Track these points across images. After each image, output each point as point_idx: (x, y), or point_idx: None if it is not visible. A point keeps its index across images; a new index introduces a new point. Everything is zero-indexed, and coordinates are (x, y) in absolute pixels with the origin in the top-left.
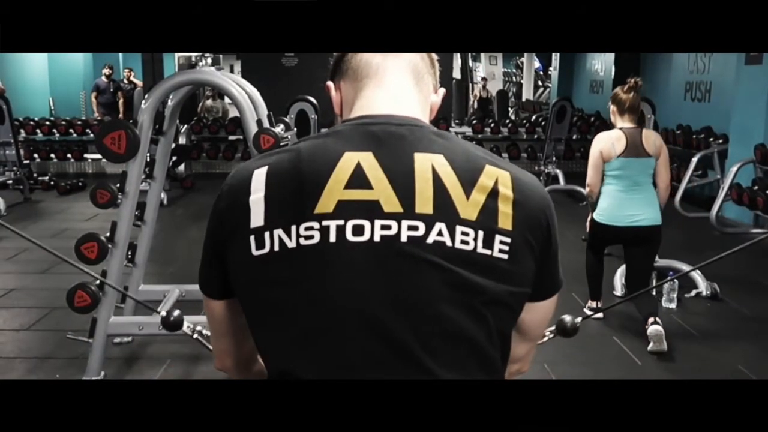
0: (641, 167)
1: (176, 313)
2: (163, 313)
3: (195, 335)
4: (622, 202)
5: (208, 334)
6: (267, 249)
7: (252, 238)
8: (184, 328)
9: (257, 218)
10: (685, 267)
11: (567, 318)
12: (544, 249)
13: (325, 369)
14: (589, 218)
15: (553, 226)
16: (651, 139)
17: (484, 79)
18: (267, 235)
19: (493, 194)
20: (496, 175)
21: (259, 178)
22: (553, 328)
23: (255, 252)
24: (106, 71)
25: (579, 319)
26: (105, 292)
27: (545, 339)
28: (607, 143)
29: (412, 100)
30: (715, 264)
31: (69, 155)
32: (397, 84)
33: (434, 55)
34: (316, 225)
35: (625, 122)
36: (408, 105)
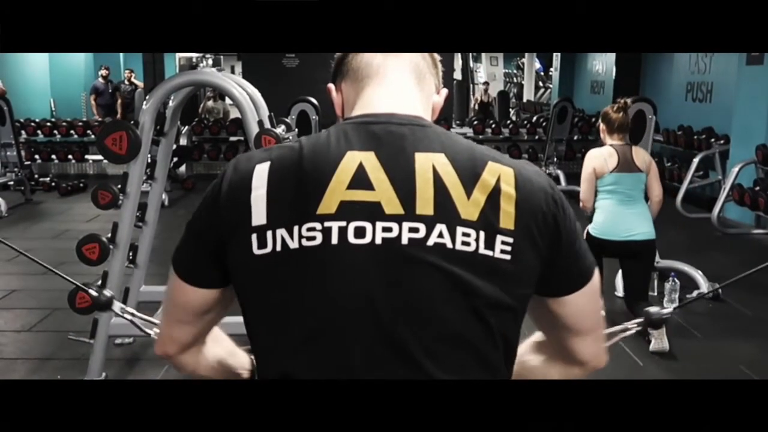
0: (633, 182)
1: (107, 293)
2: (94, 293)
3: (126, 315)
4: (617, 216)
5: (140, 315)
6: (269, 249)
7: (254, 236)
8: (115, 308)
9: (259, 216)
10: (686, 267)
11: (653, 310)
12: (553, 244)
13: (325, 371)
14: (586, 230)
15: (563, 218)
16: (641, 155)
17: (486, 83)
18: (269, 234)
19: (495, 193)
20: (499, 173)
21: (261, 174)
22: (641, 320)
23: (257, 251)
24: (103, 72)
25: (665, 310)
26: None
27: (631, 332)
28: (599, 159)
29: (413, 98)
30: (716, 265)
31: (70, 156)
32: (398, 83)
33: (437, 56)
34: (318, 226)
35: (614, 140)
36: (409, 103)
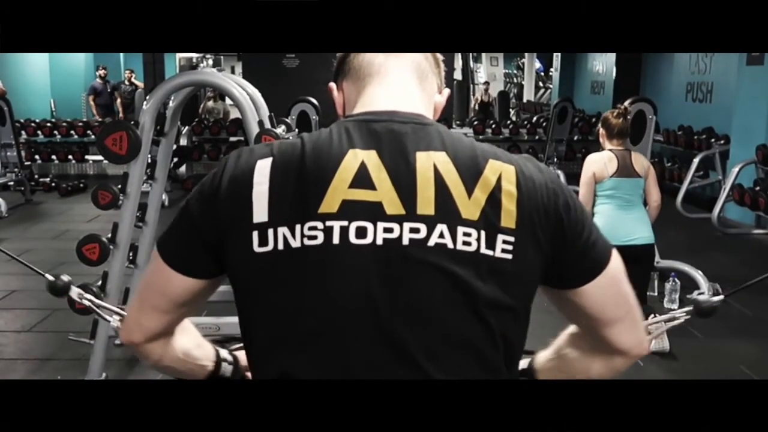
0: (632, 187)
1: (65, 278)
2: (50, 278)
3: (85, 301)
4: (617, 221)
5: (99, 302)
6: (270, 247)
7: (255, 234)
8: (72, 294)
9: (260, 213)
10: (687, 267)
11: (702, 298)
12: (557, 239)
13: (325, 371)
14: None
15: (567, 210)
16: (639, 160)
17: (486, 83)
18: (271, 232)
19: (496, 191)
20: (500, 171)
21: (262, 170)
22: (689, 308)
23: (257, 249)
24: (101, 72)
25: (715, 298)
26: (107, 293)
27: (679, 321)
28: (599, 164)
29: (415, 97)
30: (717, 265)
31: (70, 157)
32: (399, 82)
33: (439, 56)
34: (319, 225)
35: (613, 145)
36: (411, 102)
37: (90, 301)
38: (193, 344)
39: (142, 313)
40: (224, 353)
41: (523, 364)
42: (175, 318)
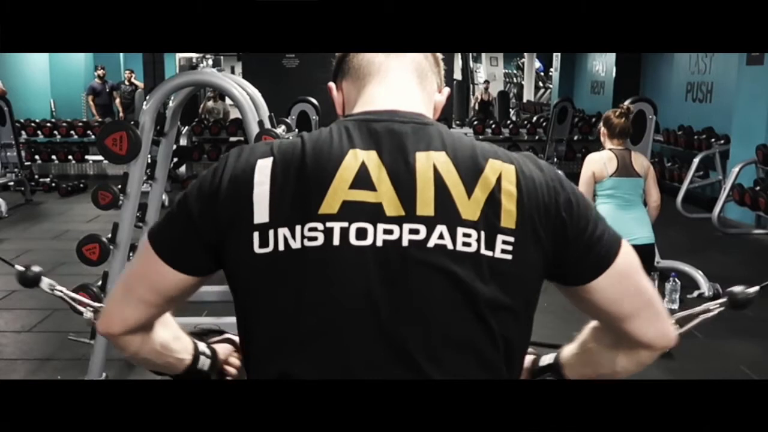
0: (632, 186)
1: (35, 269)
2: (20, 268)
3: (56, 293)
4: (616, 221)
5: (70, 293)
6: (271, 248)
7: (256, 234)
8: (43, 285)
9: (261, 214)
10: (687, 267)
11: (737, 289)
12: (559, 237)
13: (325, 371)
14: None
15: (569, 207)
16: (639, 160)
17: (486, 81)
18: (271, 233)
19: (496, 191)
20: (500, 170)
21: (263, 170)
22: (724, 300)
23: (258, 249)
24: (100, 72)
25: (751, 289)
26: (107, 293)
27: (713, 313)
28: (599, 164)
29: (415, 96)
30: (717, 265)
31: (70, 157)
32: (399, 81)
33: (439, 55)
34: (320, 226)
35: (614, 145)
36: (411, 101)
37: (62, 292)
38: (171, 337)
39: (127, 305)
40: (202, 346)
41: (549, 359)
42: (160, 312)
